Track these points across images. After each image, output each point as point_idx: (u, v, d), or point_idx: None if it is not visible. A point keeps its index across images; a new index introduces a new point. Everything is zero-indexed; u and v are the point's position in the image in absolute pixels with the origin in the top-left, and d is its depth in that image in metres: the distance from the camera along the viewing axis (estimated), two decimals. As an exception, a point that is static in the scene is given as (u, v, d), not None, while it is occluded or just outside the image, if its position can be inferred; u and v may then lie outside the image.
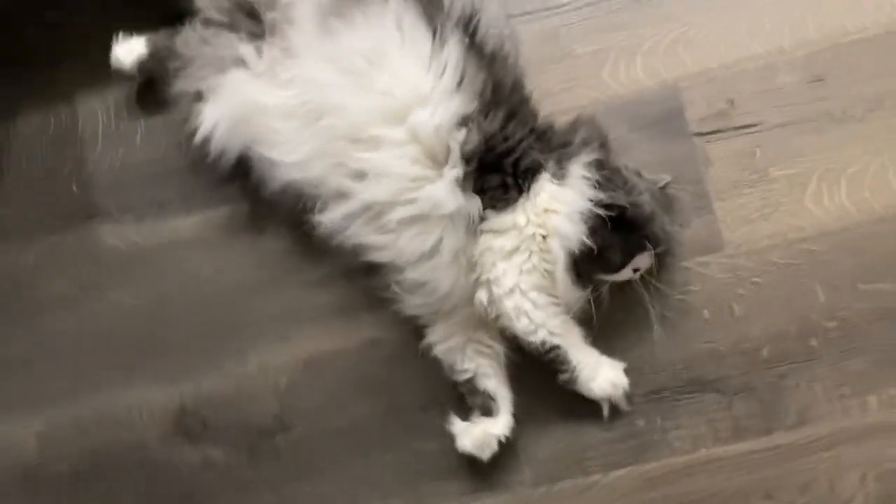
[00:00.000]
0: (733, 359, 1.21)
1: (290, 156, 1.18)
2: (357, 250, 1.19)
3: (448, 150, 1.11)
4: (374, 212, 1.15)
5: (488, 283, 1.14)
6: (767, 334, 1.21)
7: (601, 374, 1.17)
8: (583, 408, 1.20)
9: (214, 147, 1.23)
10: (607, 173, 1.13)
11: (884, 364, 1.19)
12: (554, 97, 1.29)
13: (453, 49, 1.12)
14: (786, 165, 1.25)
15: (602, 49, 1.31)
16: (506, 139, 1.13)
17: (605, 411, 1.19)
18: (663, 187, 1.21)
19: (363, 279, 1.24)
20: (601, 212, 1.10)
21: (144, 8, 1.33)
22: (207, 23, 1.25)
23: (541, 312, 1.13)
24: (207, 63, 1.22)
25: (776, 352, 1.20)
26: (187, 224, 1.34)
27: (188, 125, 1.25)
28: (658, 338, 1.21)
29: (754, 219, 1.24)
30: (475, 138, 1.11)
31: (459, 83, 1.11)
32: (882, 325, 1.20)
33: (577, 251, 1.10)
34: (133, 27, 1.31)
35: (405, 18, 1.13)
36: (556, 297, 1.14)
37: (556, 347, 1.15)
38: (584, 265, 1.13)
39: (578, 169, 1.12)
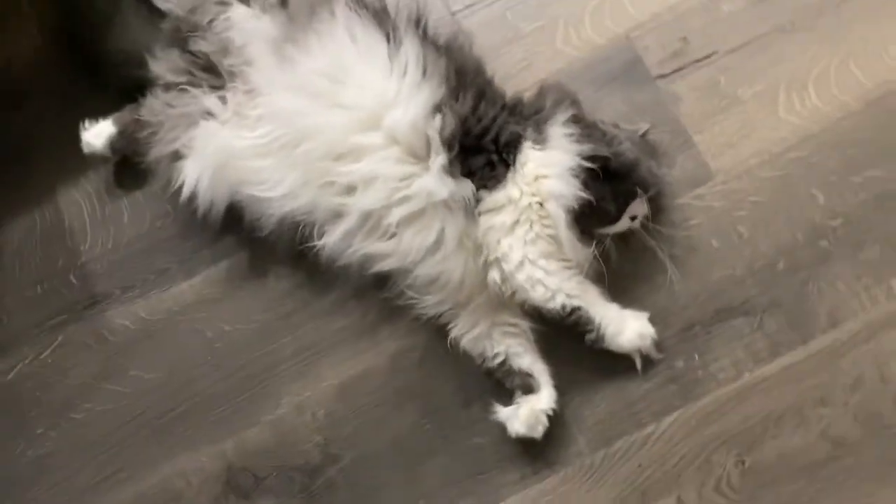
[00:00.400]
0: (752, 279, 1.22)
1: (277, 190, 1.19)
2: (363, 265, 1.20)
3: (428, 141, 1.13)
4: (371, 221, 1.16)
5: (497, 261, 1.15)
6: (778, 247, 1.22)
7: (627, 327, 1.17)
8: (618, 364, 1.20)
9: (202, 201, 1.24)
10: (585, 127, 1.15)
11: (896, 246, 1.20)
12: (515, 77, 1.32)
13: (409, 46, 1.15)
14: (752, 85, 1.28)
15: (549, 21, 1.35)
16: (480, 119, 1.15)
17: (638, 363, 1.19)
18: (643, 134, 1.23)
19: (374, 294, 1.25)
20: (588, 164, 1.12)
21: (102, 91, 1.36)
22: (168, 87, 1.27)
23: (554, 278, 1.14)
24: (176, 123, 1.24)
25: (791, 262, 1.21)
26: (190, 287, 1.34)
27: (171, 186, 1.26)
28: (674, 278, 1.22)
29: (735, 142, 1.26)
30: (451, 122, 1.13)
31: (423, 74, 1.13)
32: (884, 210, 1.21)
33: (575, 207, 1.11)
34: (96, 112, 1.33)
35: (356, 29, 1.16)
36: (566, 259, 1.15)
37: (576, 309, 1.15)
38: (584, 221, 1.14)
39: (557, 129, 1.14)
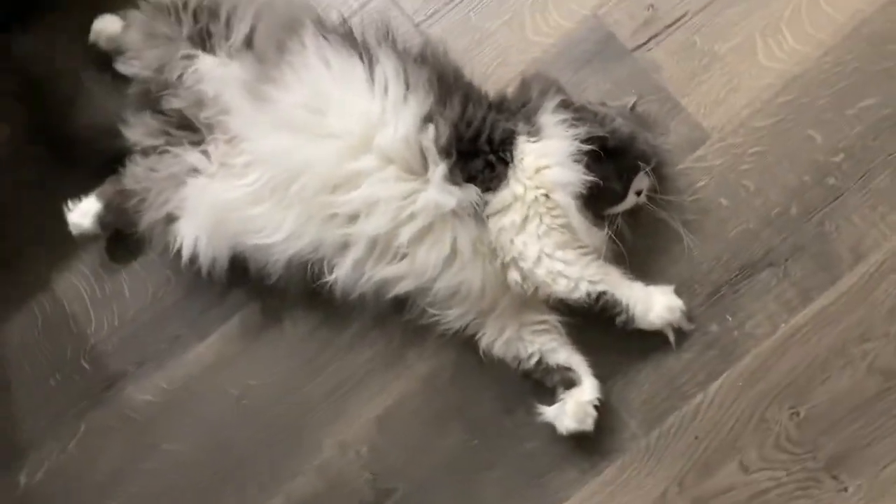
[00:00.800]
0: (769, 229, 1.21)
1: (278, 233, 1.16)
2: (380, 292, 1.17)
3: (423, 154, 1.11)
4: (380, 245, 1.14)
5: (514, 261, 1.13)
6: (788, 193, 1.21)
7: (655, 303, 1.15)
8: (653, 341, 1.19)
9: (204, 260, 1.21)
10: (576, 111, 1.14)
11: (903, 170, 1.20)
12: (493, 76, 1.31)
13: (385, 62, 1.13)
14: (727, 39, 1.27)
15: (514, 14, 1.34)
16: (470, 122, 1.13)
17: (672, 337, 1.18)
18: (632, 107, 1.22)
19: (395, 319, 1.22)
20: (587, 147, 1.10)
21: (80, 169, 1.32)
22: (146, 152, 1.24)
23: (574, 267, 1.12)
24: (163, 187, 1.22)
25: (803, 205, 1.21)
26: (206, 348, 1.31)
27: (170, 251, 1.23)
28: (691, 245, 1.20)
29: (723, 97, 1.25)
30: (445, 129, 1.11)
31: (407, 88, 1.12)
32: (883, 137, 1.21)
33: (583, 192, 1.10)
34: (78, 191, 1.30)
35: (329, 55, 1.14)
36: (582, 246, 1.13)
37: (602, 294, 1.13)
38: (593, 204, 1.12)
39: (549, 117, 1.13)
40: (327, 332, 1.28)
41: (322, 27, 1.17)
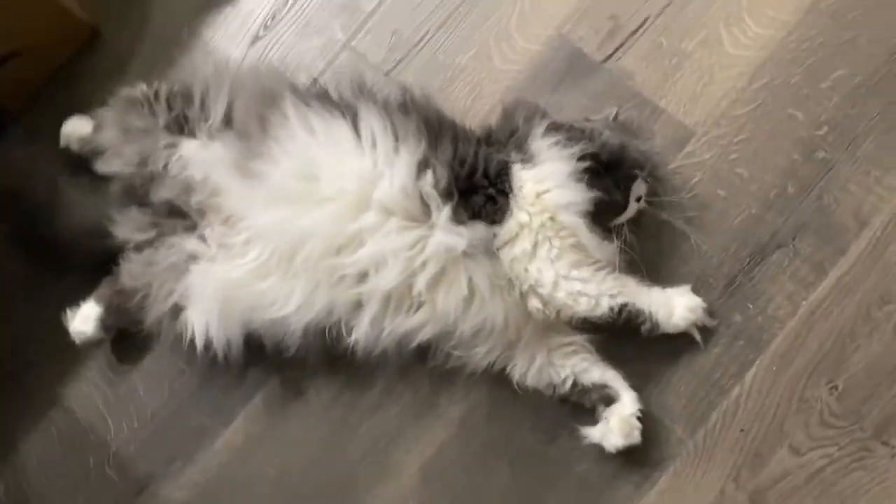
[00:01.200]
0: (770, 212, 1.22)
1: (289, 305, 1.14)
2: (402, 343, 1.15)
3: (423, 201, 1.11)
4: (396, 298, 1.13)
5: (532, 289, 1.12)
6: (781, 173, 1.23)
7: (676, 306, 1.16)
8: (680, 342, 1.19)
9: (218, 345, 1.19)
10: (565, 131, 1.14)
11: (887, 132, 1.22)
12: (470, 110, 1.32)
13: (369, 116, 1.12)
14: (693, 35, 1.30)
15: (480, 48, 1.35)
16: (464, 160, 1.13)
17: (697, 336, 1.18)
18: (615, 118, 1.23)
19: (419, 368, 1.21)
20: (582, 164, 1.11)
21: (72, 275, 1.30)
22: (140, 247, 1.22)
23: (592, 284, 1.12)
24: (164, 279, 1.19)
25: (799, 183, 1.22)
26: (234, 433, 1.28)
27: (183, 342, 1.20)
28: (698, 241, 1.21)
29: (700, 92, 1.27)
30: (442, 172, 1.11)
31: (396, 139, 1.11)
32: (860, 105, 1.23)
33: (589, 209, 1.10)
34: (73, 297, 1.27)
35: (312, 120, 1.13)
36: (596, 262, 1.13)
37: (623, 306, 1.13)
38: (598, 219, 1.13)
39: (540, 142, 1.13)
40: (352, 394, 1.26)
41: (299, 94, 1.17)
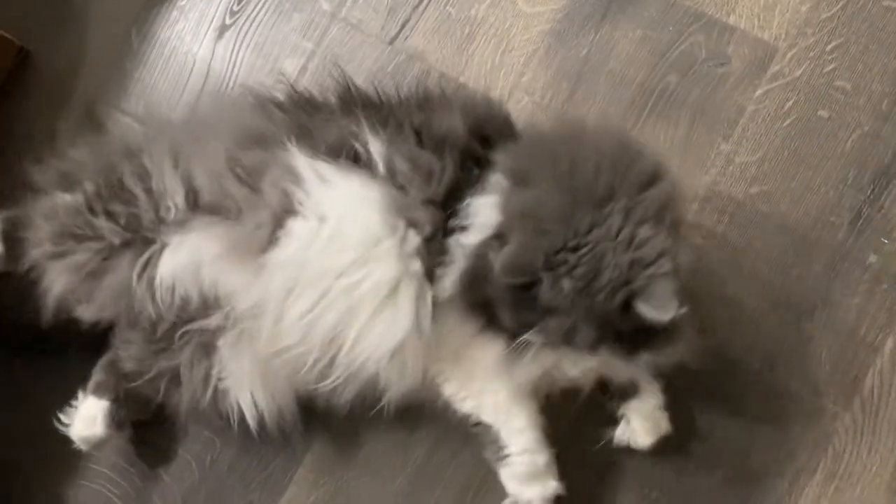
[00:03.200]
0: (887, 125, 1.05)
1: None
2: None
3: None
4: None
5: None
6: (892, 76, 1.06)
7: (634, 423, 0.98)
8: (807, 302, 1.02)
9: (270, 415, 0.97)
10: None
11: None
12: (502, 68, 1.11)
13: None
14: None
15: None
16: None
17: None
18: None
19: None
20: None
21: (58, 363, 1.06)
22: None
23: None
24: (191, 360, 0.95)
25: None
26: (290, 502, 1.05)
27: (232, 422, 0.98)
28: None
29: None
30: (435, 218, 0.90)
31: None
32: None
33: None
34: (65, 395, 1.02)
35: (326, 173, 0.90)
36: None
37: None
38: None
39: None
40: (426, 432, 1.04)
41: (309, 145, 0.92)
